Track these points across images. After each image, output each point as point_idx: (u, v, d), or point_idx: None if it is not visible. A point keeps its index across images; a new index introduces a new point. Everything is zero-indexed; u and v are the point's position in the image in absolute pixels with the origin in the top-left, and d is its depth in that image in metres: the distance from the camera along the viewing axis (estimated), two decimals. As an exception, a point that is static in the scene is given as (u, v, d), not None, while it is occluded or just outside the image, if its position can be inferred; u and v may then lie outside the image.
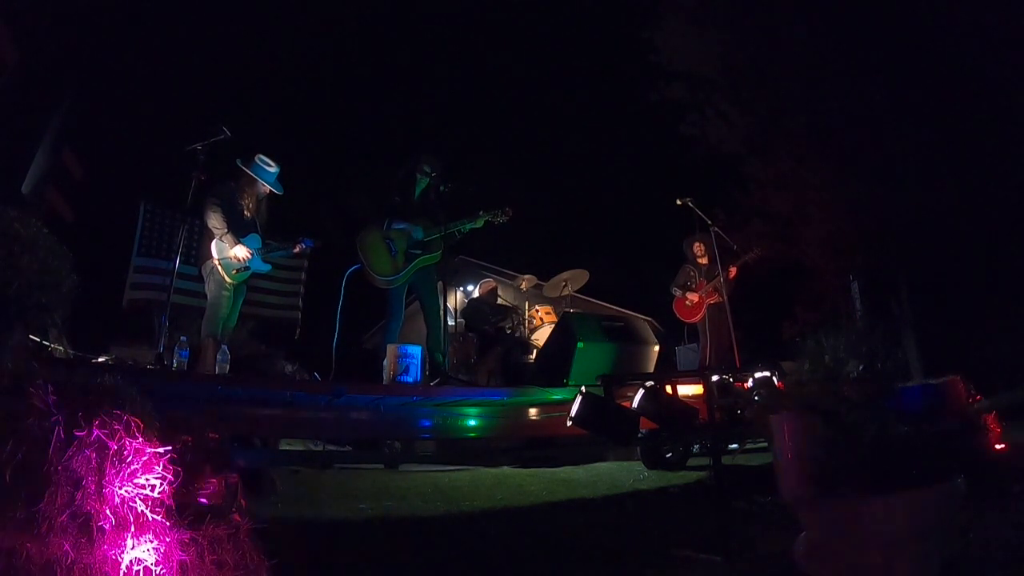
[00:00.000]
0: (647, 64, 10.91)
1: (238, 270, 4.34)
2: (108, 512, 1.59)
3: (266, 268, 4.64)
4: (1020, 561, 2.35)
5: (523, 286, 7.55)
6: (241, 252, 4.29)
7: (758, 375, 3.69)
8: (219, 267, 4.27)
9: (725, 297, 5.75)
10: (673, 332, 7.46)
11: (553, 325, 5.58)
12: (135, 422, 1.71)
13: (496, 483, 5.85)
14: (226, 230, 4.25)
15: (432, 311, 4.64)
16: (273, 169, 4.52)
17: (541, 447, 6.44)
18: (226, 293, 4.33)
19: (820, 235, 10.03)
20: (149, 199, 6.10)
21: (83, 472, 1.61)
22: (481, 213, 4.61)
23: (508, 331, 6.73)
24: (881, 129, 9.17)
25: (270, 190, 4.56)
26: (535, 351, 6.03)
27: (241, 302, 4.56)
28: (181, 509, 1.73)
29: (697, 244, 6.29)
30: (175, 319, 4.49)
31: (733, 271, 6.02)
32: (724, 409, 3.52)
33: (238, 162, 4.48)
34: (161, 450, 1.72)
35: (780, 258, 9.96)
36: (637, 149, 16.42)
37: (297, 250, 4.84)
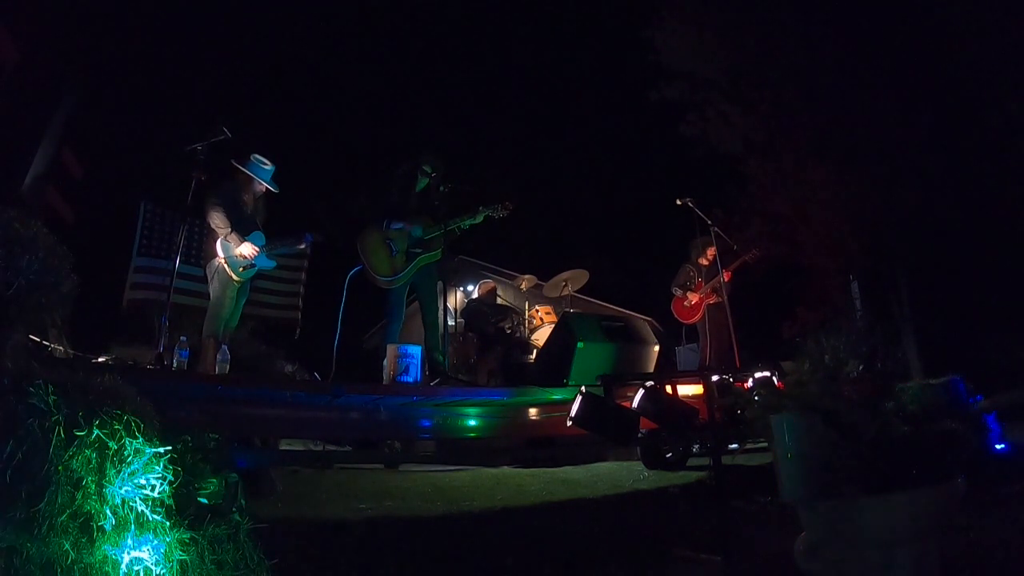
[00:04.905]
0: (647, 64, 10.91)
1: (244, 268, 4.35)
2: (108, 512, 1.59)
3: (271, 264, 4.65)
4: (1020, 561, 2.35)
5: (523, 286, 7.55)
6: (247, 249, 4.30)
7: (758, 375, 3.70)
8: (225, 265, 4.27)
9: (725, 298, 5.74)
10: (673, 332, 7.46)
11: (553, 325, 5.58)
12: (135, 422, 1.71)
13: (496, 483, 5.85)
14: (230, 229, 4.26)
15: (431, 311, 4.65)
16: (269, 167, 4.53)
17: (541, 447, 6.44)
18: (231, 292, 4.33)
19: (820, 235, 10.01)
20: (149, 199, 6.10)
21: (83, 472, 1.61)
22: (481, 208, 4.61)
23: (508, 331, 6.73)
24: (881, 128, 9.17)
25: (266, 188, 4.57)
26: (535, 351, 6.03)
27: (243, 301, 4.57)
28: (181, 509, 1.73)
29: (712, 249, 6.04)
30: (175, 319, 4.50)
31: (727, 275, 5.98)
32: (724, 409, 3.52)
33: (233, 162, 4.49)
34: (161, 450, 1.72)
35: (780, 258, 9.95)
36: (637, 149, 16.41)
37: (302, 246, 4.86)
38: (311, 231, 4.77)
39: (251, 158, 4.48)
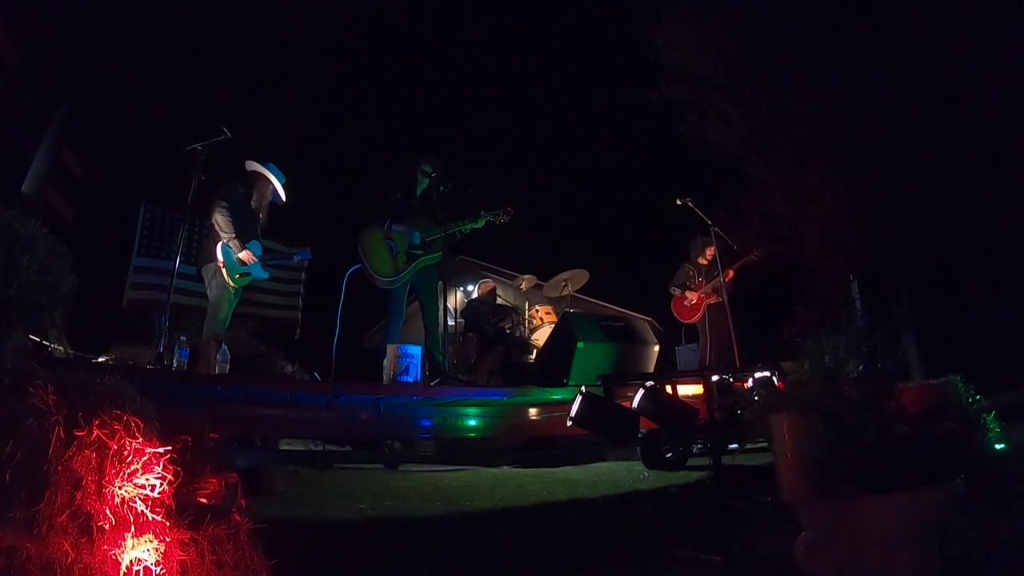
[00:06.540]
0: (647, 64, 10.92)
1: (241, 275, 4.33)
2: (108, 512, 1.59)
3: (265, 275, 4.63)
4: (1020, 561, 2.35)
5: (523, 286, 7.55)
6: (246, 256, 4.29)
7: (758, 375, 3.68)
8: (223, 271, 4.26)
9: (725, 298, 5.73)
10: (673, 332, 7.45)
11: (553, 325, 5.58)
12: (135, 422, 1.71)
13: (496, 483, 5.86)
14: (233, 235, 4.23)
15: (431, 311, 4.65)
16: (282, 176, 4.56)
17: (541, 447, 6.44)
18: (229, 296, 4.32)
19: (820, 235, 10.03)
20: (149, 199, 6.11)
21: (83, 472, 1.60)
22: (482, 213, 4.61)
23: (508, 331, 6.73)
24: (881, 129, 9.18)
25: (272, 198, 4.57)
26: (535, 351, 6.02)
27: (236, 303, 4.56)
28: (181, 509, 1.73)
29: (711, 249, 6.04)
30: (175, 319, 4.49)
31: (731, 273, 5.98)
32: (724, 409, 3.51)
33: (254, 162, 4.48)
34: (161, 450, 1.72)
35: (780, 258, 9.95)
36: (637, 149, 16.40)
37: (292, 261, 4.86)
38: (306, 249, 4.78)
39: (267, 163, 4.50)
